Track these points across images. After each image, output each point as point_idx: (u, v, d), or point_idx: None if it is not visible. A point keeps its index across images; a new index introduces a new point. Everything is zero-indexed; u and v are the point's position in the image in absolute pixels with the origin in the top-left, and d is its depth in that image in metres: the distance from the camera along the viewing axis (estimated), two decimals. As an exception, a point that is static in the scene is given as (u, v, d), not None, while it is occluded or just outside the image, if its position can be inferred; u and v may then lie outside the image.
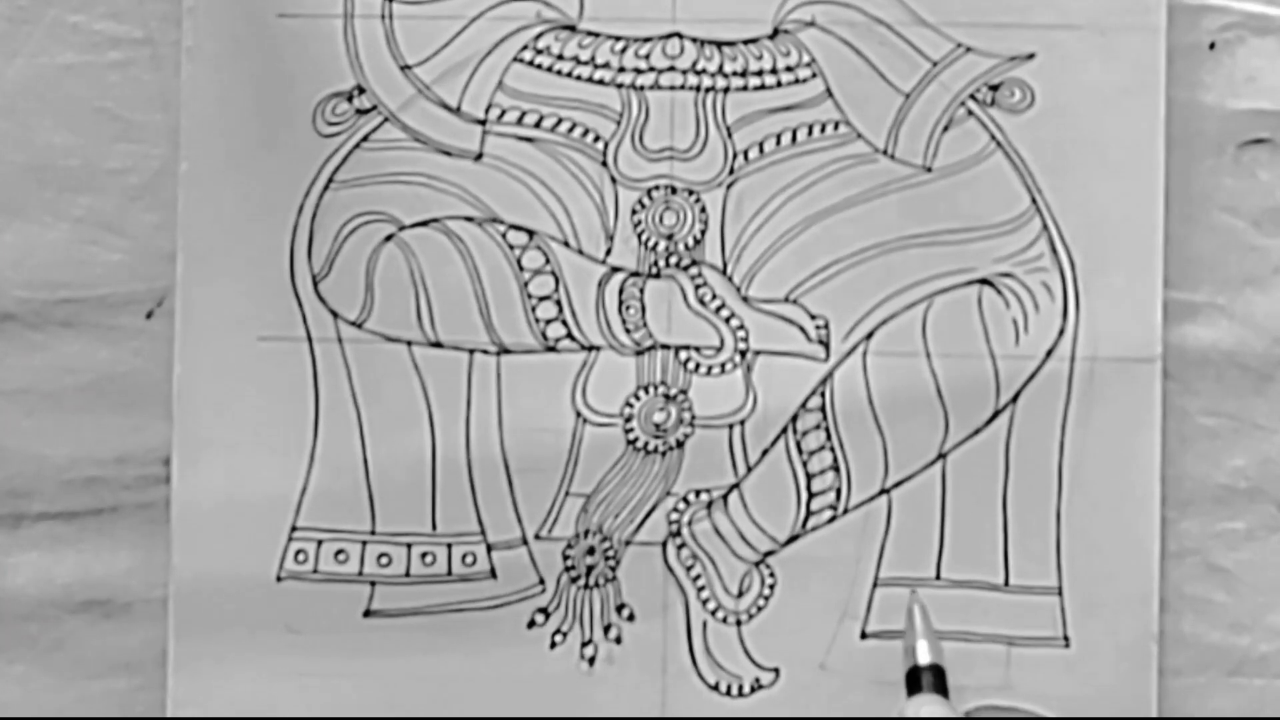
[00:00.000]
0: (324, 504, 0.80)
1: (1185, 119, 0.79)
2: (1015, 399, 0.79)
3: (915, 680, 0.76)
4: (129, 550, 0.81)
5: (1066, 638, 0.79)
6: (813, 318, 0.80)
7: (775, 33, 0.80)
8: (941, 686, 0.75)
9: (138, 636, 0.81)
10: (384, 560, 0.80)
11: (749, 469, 0.80)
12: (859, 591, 0.80)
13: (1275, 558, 0.80)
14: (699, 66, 0.80)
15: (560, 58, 0.80)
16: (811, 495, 0.80)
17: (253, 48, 0.80)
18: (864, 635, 0.80)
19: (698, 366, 0.80)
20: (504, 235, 0.80)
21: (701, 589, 0.80)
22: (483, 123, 0.80)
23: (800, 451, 0.80)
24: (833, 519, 0.80)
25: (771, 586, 0.80)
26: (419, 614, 0.80)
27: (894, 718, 0.76)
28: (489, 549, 0.80)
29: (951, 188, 0.79)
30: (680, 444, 0.80)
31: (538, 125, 0.80)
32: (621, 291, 0.80)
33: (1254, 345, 0.80)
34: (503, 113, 0.80)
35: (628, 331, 0.80)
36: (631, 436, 0.80)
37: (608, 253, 0.80)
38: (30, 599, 0.82)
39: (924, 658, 0.76)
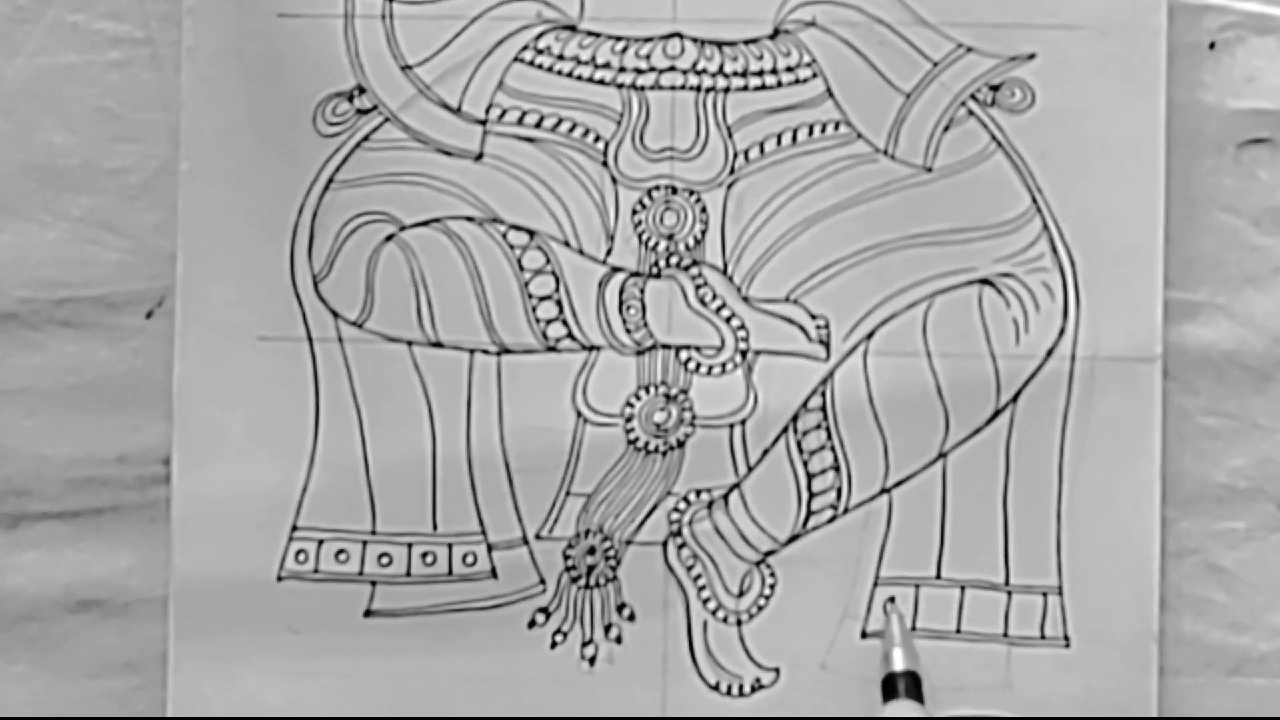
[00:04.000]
0: (324, 504, 0.80)
1: (1185, 119, 0.79)
2: (1015, 398, 0.79)
3: (891, 686, 0.76)
4: (129, 550, 0.81)
5: (1066, 637, 0.79)
6: (813, 317, 0.80)
7: (776, 33, 0.80)
8: (916, 693, 0.76)
9: (138, 636, 0.81)
10: (384, 560, 0.80)
11: (749, 469, 0.80)
12: (859, 591, 0.80)
13: (1275, 557, 0.80)
14: (699, 66, 0.80)
15: (561, 58, 0.80)
16: (812, 495, 0.80)
17: (253, 48, 0.80)
18: (864, 635, 0.80)
19: (698, 366, 0.80)
20: (504, 235, 0.80)
21: (702, 589, 0.80)
22: (483, 123, 0.80)
23: (801, 451, 0.80)
24: (833, 518, 0.80)
25: (772, 586, 0.80)
26: (419, 614, 0.80)
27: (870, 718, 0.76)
28: (489, 549, 0.80)
29: (952, 188, 0.79)
30: (681, 444, 0.80)
31: (538, 125, 0.80)
32: (622, 291, 0.80)
33: (1254, 345, 0.80)
34: (503, 113, 0.80)
35: (628, 331, 0.80)
36: (632, 436, 0.80)
37: (608, 253, 0.80)
38: (30, 599, 0.82)
39: (899, 664, 0.77)
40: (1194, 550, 0.80)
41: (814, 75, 0.80)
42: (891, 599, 0.79)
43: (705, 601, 0.80)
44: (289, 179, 0.80)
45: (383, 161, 0.80)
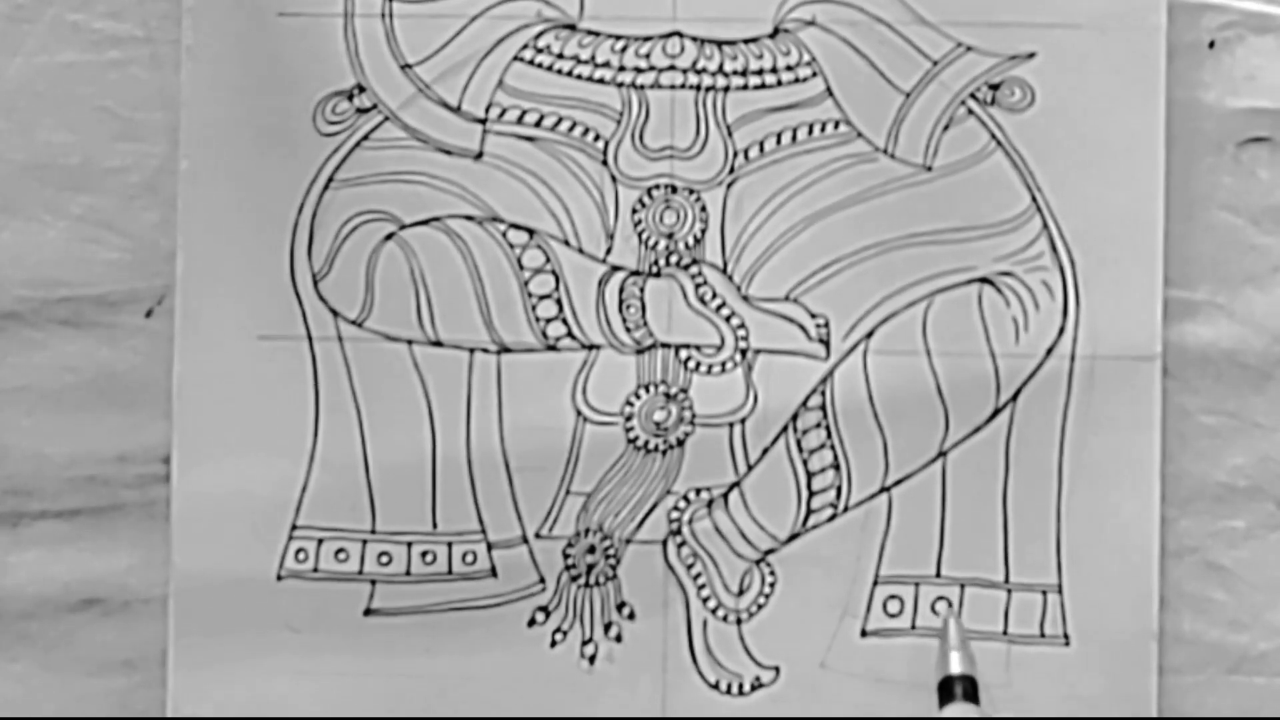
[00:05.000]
0: (324, 503, 0.80)
1: (1185, 118, 0.79)
2: (1015, 397, 0.79)
3: (948, 689, 0.76)
4: (129, 549, 0.81)
5: (1066, 636, 0.79)
6: (813, 316, 0.80)
7: (775, 32, 0.80)
8: (973, 696, 0.76)
9: (138, 635, 0.81)
10: (384, 559, 0.80)
11: (749, 467, 0.80)
12: (859, 590, 0.80)
13: (1275, 556, 0.80)
14: (699, 65, 0.80)
15: (560, 57, 0.80)
16: (812, 493, 0.80)
17: (253, 47, 0.80)
18: (864, 633, 0.80)
19: (698, 365, 0.80)
20: (504, 234, 0.80)
21: (702, 587, 0.80)
22: (483, 121, 0.80)
23: (801, 450, 0.80)
24: (833, 517, 0.80)
25: (772, 585, 0.80)
26: (419, 613, 0.80)
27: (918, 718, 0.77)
28: (489, 548, 0.80)
29: (951, 187, 0.79)
30: (681, 442, 0.80)
31: (538, 124, 0.80)
32: (622, 290, 0.80)
33: (1254, 343, 0.80)
34: (503, 111, 0.80)
35: (628, 330, 0.80)
36: (632, 435, 0.80)
37: (608, 251, 0.80)
38: (30, 597, 0.82)
39: (956, 667, 0.77)
40: (1193, 549, 0.80)
41: (814, 74, 0.80)
42: (949, 603, 0.79)
43: (705, 600, 0.80)
44: (289, 178, 0.80)
45: (382, 160, 0.80)
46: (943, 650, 0.78)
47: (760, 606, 0.80)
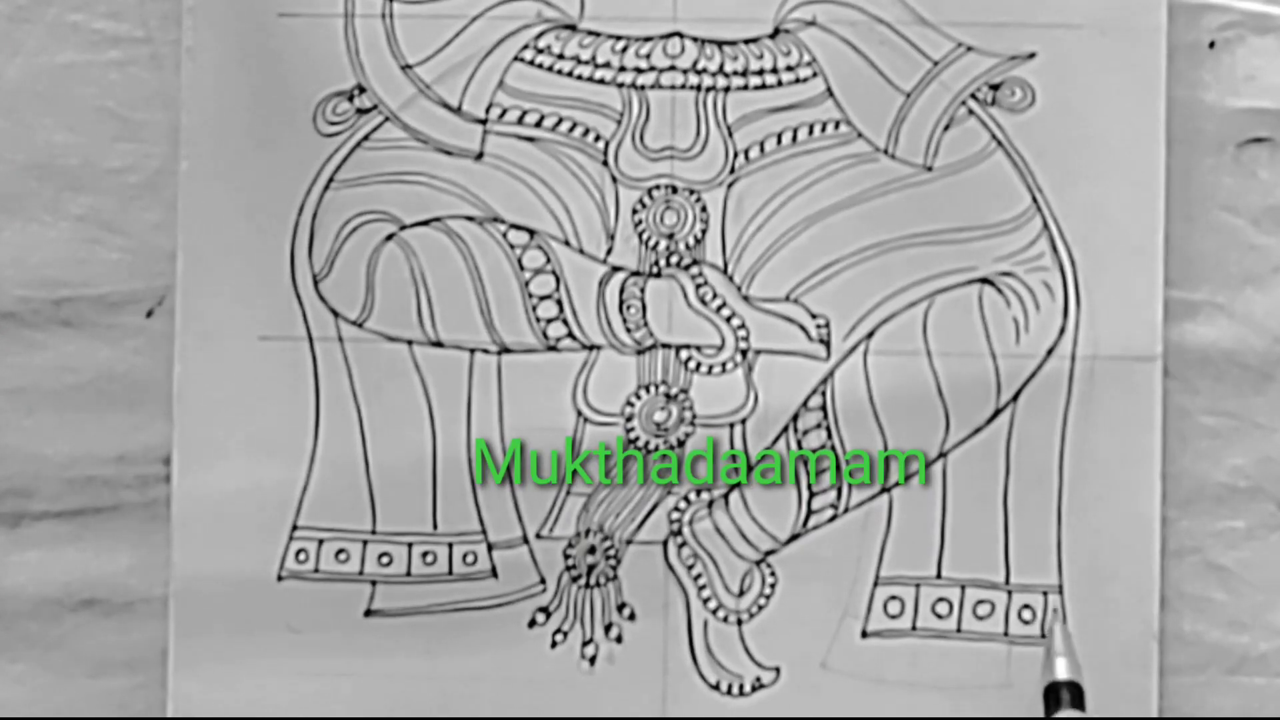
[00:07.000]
0: (325, 503, 0.80)
1: (1185, 118, 0.79)
2: (1016, 398, 0.79)
3: (1055, 695, 0.76)
4: (129, 549, 0.81)
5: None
6: (813, 317, 0.80)
7: (776, 32, 0.80)
8: (1079, 703, 0.75)
9: (138, 635, 0.81)
10: (385, 559, 0.80)
11: (750, 468, 0.80)
12: (860, 590, 0.80)
13: (1275, 556, 0.80)
14: (700, 66, 0.80)
15: (561, 57, 0.80)
16: (812, 494, 0.80)
17: (253, 47, 0.80)
18: (865, 634, 0.80)
19: (699, 366, 0.80)
20: (505, 235, 0.80)
21: (702, 588, 0.80)
22: (483, 122, 0.80)
23: (801, 450, 0.80)
24: (834, 518, 0.80)
25: (772, 585, 0.80)
26: (420, 613, 0.80)
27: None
28: (490, 548, 0.80)
29: (952, 187, 0.79)
30: (681, 443, 0.80)
31: (538, 125, 0.80)
32: (622, 291, 0.80)
33: (1254, 344, 0.80)
34: (503, 112, 0.80)
35: (628, 331, 0.80)
36: (632, 436, 0.80)
37: (609, 252, 0.80)
38: (30, 598, 0.82)
39: (1062, 673, 0.76)
40: (1194, 549, 0.80)
41: (814, 74, 0.80)
42: (1056, 609, 0.79)
43: (705, 601, 0.80)
44: (289, 179, 0.80)
45: (383, 161, 0.80)
46: (1048, 656, 0.77)
47: (761, 607, 0.80)
